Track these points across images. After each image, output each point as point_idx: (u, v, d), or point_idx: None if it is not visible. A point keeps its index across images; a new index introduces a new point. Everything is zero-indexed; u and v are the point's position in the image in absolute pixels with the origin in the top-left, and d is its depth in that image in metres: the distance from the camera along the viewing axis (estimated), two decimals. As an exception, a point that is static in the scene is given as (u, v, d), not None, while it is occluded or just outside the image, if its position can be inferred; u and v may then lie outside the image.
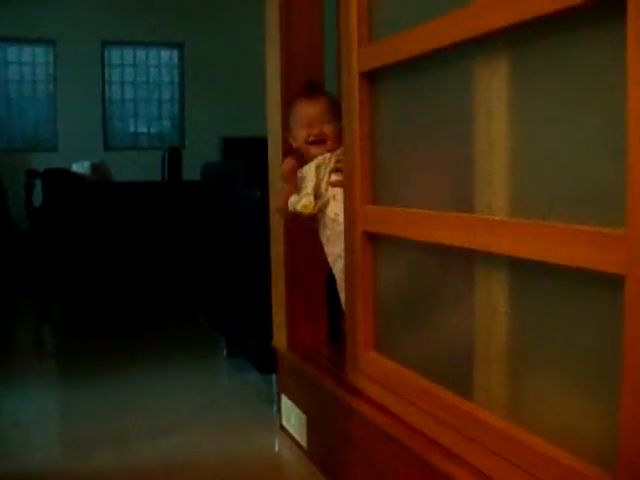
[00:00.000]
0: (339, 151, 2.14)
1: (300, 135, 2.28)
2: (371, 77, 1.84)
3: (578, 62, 1.19)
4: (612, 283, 1.09)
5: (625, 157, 1.04)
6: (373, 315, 1.90)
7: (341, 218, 2.09)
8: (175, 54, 8.21)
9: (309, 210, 2.15)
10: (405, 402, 1.70)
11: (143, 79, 8.18)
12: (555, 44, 1.23)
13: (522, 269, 1.35)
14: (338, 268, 2.18)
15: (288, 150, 2.34)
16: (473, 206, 1.46)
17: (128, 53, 8.09)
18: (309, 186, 2.16)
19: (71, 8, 7.45)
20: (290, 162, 2.24)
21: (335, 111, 2.23)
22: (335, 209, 2.16)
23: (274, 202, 2.41)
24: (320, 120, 2.25)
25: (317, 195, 2.16)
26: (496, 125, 1.39)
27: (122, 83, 8.10)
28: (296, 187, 2.22)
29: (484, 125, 1.42)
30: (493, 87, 1.40)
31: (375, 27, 1.82)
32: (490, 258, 1.42)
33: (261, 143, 2.61)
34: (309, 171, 2.20)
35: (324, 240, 2.23)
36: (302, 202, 2.14)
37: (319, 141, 2.25)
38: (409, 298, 1.81)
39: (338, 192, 2.13)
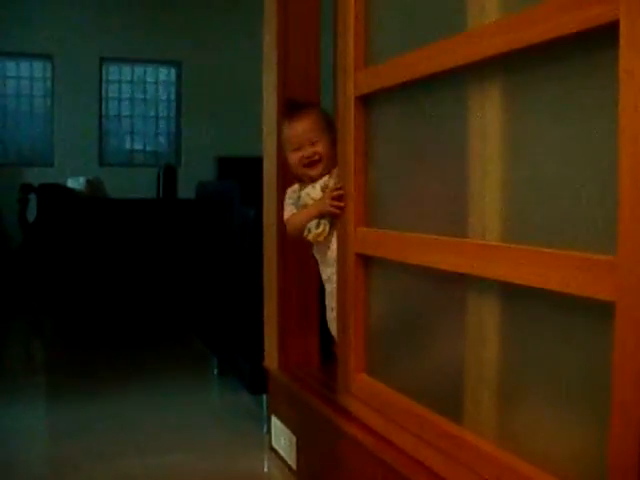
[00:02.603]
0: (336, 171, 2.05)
1: (292, 159, 2.17)
2: (366, 101, 1.85)
3: (571, 89, 1.20)
4: (602, 310, 1.10)
5: (617, 184, 1.05)
6: (365, 337, 1.90)
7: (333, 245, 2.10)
8: (173, 72, 8.23)
9: (321, 238, 2.14)
10: (395, 425, 1.70)
11: (140, 96, 8.20)
12: (548, 71, 1.24)
13: (514, 294, 1.35)
14: (328, 289, 2.22)
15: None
16: (466, 230, 1.47)
17: (126, 70, 8.11)
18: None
19: (70, 24, 7.48)
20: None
21: (325, 125, 2.15)
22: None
23: (293, 220, 2.22)
24: (310, 139, 2.13)
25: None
26: (489, 151, 1.40)
27: (119, 99, 8.11)
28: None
29: (478, 150, 1.44)
30: (487, 113, 1.41)
31: (371, 51, 1.84)
32: (482, 283, 1.42)
33: (256, 163, 2.62)
34: (316, 195, 2.14)
35: (318, 259, 2.26)
36: (317, 231, 2.12)
37: (314, 162, 2.14)
38: (401, 321, 1.81)
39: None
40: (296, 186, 2.25)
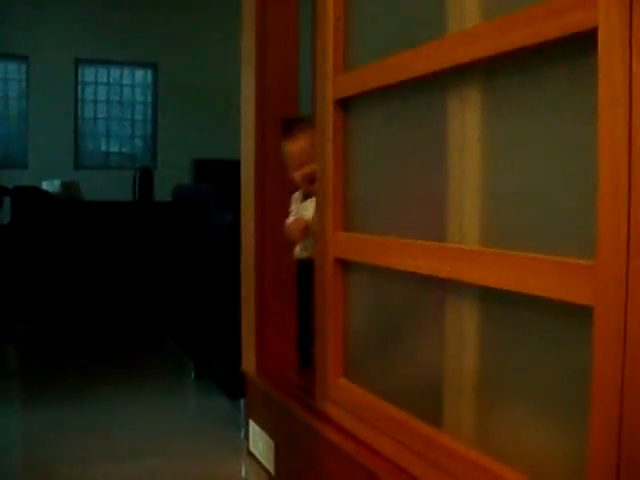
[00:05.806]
0: None
1: (297, 177, 2.32)
2: (345, 105, 1.85)
3: (550, 96, 1.20)
4: (581, 314, 1.10)
5: (596, 189, 1.05)
6: (343, 341, 1.90)
7: None
8: (149, 74, 8.20)
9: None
10: (374, 430, 1.70)
11: (116, 98, 8.16)
12: (527, 77, 1.25)
13: (493, 299, 1.36)
14: None
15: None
16: (445, 235, 1.47)
17: (102, 72, 8.07)
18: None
19: (46, 25, 7.42)
20: (301, 223, 2.27)
21: None
22: None
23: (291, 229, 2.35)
24: (309, 157, 2.23)
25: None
26: (468, 156, 1.41)
27: (95, 102, 8.06)
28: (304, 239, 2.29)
29: (457, 155, 1.44)
30: (466, 118, 1.41)
31: (350, 55, 1.83)
32: (461, 287, 1.42)
33: (233, 166, 2.61)
34: (308, 213, 2.25)
35: None
36: (304, 254, 2.28)
37: (315, 179, 2.21)
38: (380, 326, 1.81)
39: None
40: (297, 194, 2.39)
